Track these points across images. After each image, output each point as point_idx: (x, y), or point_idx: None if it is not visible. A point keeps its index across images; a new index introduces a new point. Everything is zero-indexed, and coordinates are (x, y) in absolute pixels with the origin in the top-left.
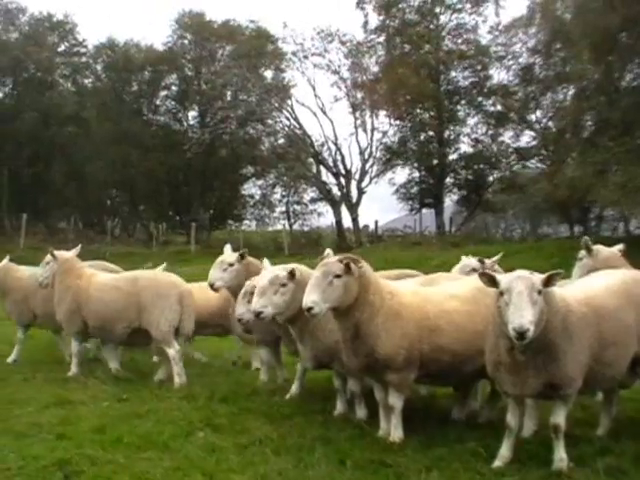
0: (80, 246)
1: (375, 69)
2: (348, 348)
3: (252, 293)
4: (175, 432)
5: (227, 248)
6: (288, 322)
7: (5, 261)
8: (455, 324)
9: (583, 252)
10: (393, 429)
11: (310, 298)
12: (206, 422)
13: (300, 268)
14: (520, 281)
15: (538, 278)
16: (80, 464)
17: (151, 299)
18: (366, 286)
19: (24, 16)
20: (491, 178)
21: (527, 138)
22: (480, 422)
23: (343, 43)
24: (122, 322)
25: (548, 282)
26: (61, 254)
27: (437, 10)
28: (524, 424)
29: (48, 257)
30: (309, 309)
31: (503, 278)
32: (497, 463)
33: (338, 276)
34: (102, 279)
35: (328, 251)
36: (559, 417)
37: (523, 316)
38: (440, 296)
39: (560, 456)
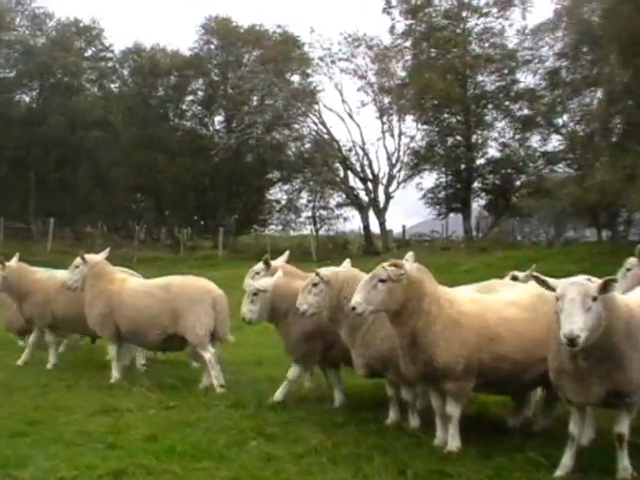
0: (109, 249)
1: (402, 74)
2: (406, 356)
3: (255, 294)
4: (228, 441)
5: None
6: (334, 324)
7: (14, 261)
8: (515, 332)
9: (633, 260)
10: (450, 438)
11: (354, 298)
12: (258, 431)
13: (343, 270)
14: (573, 287)
15: (594, 284)
16: (136, 474)
17: (186, 305)
18: (419, 294)
19: (51, 21)
20: (518, 182)
21: (555, 142)
22: (535, 430)
23: (370, 48)
24: (156, 329)
25: (604, 288)
26: (91, 257)
27: (464, 14)
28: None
29: (78, 260)
30: (353, 308)
31: (559, 284)
32: (559, 473)
33: (383, 280)
34: (134, 284)
35: (410, 254)
36: (623, 426)
37: (573, 322)
38: (499, 304)
39: (624, 465)
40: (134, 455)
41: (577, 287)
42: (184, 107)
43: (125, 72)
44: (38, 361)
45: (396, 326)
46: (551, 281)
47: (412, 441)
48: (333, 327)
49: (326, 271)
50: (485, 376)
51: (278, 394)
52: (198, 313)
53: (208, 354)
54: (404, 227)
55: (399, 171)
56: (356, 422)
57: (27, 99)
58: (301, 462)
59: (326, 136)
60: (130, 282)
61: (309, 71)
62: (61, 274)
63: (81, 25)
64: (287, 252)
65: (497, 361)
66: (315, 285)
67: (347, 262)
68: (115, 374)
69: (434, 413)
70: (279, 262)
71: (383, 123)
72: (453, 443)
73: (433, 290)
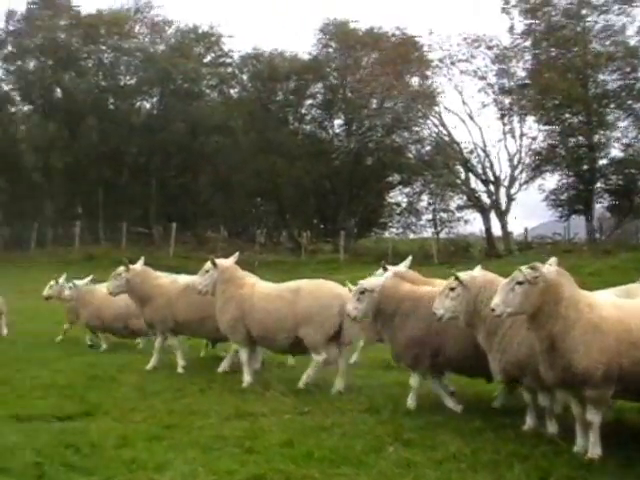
0: (237, 254)
1: (522, 74)
2: (545, 360)
3: (362, 293)
4: (365, 447)
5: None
6: (471, 328)
7: (139, 265)
8: None
9: None
10: (591, 446)
11: (494, 300)
12: (394, 436)
13: (481, 274)
14: None
15: None
16: (275, 479)
17: (313, 310)
18: (556, 298)
19: (170, 28)
20: None
21: None
22: None
23: (489, 48)
24: (283, 332)
25: None
26: (221, 262)
27: (583, 12)
28: None
29: (208, 265)
30: (492, 310)
31: None
32: None
33: (520, 283)
34: (265, 288)
35: (553, 259)
36: None
37: None
38: None
39: None
40: (272, 460)
41: None
42: (303, 111)
43: (244, 77)
44: (168, 365)
45: (534, 330)
46: None
47: (551, 448)
48: (471, 332)
49: (465, 275)
50: (625, 382)
51: (410, 402)
52: (323, 319)
53: (319, 357)
54: (526, 229)
55: (521, 173)
56: (493, 428)
57: (147, 106)
58: (440, 468)
59: (447, 138)
60: (260, 286)
61: (428, 73)
62: (183, 278)
63: (200, 31)
64: (410, 258)
65: (638, 367)
66: (452, 289)
67: (479, 268)
68: (247, 378)
69: (572, 418)
70: (401, 268)
71: (504, 124)
72: (594, 450)
73: (571, 294)
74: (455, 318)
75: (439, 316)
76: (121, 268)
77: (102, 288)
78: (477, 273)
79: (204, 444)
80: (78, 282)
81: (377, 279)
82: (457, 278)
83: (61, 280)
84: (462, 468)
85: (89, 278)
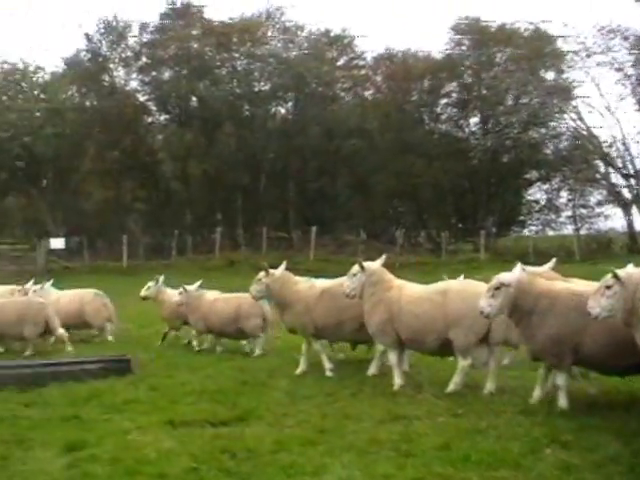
0: (385, 256)
1: None
2: None
3: (497, 288)
4: (522, 449)
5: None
6: (629, 327)
7: (280, 270)
8: None
9: None
10: None
11: None
12: (551, 438)
13: (637, 271)
14: None
15: None
16: None
17: (461, 311)
18: None
19: (302, 33)
20: None
21: None
22: None
23: (625, 39)
24: (432, 334)
25: None
26: (369, 265)
27: None
28: None
29: (355, 268)
30: None
31: None
32: None
33: None
34: (412, 291)
35: None
36: None
37: None
38: None
39: None
40: (429, 464)
41: None
42: (439, 110)
43: (378, 78)
44: (318, 369)
45: None
46: None
47: None
48: (609, 328)
49: (622, 272)
50: None
51: (562, 401)
52: (473, 320)
53: (465, 362)
54: None
55: None
56: None
57: (283, 111)
58: (600, 471)
59: (585, 132)
60: (407, 288)
61: (564, 67)
62: (321, 282)
63: (332, 35)
64: (554, 260)
65: None
66: (609, 287)
67: (631, 265)
68: (398, 381)
69: None
70: (545, 269)
71: None
72: None
73: None
74: (612, 317)
75: (595, 315)
76: (262, 273)
77: (210, 294)
78: (633, 270)
79: (360, 448)
80: (189, 287)
81: (512, 273)
82: (615, 275)
83: (160, 281)
84: (622, 471)
85: (198, 283)
